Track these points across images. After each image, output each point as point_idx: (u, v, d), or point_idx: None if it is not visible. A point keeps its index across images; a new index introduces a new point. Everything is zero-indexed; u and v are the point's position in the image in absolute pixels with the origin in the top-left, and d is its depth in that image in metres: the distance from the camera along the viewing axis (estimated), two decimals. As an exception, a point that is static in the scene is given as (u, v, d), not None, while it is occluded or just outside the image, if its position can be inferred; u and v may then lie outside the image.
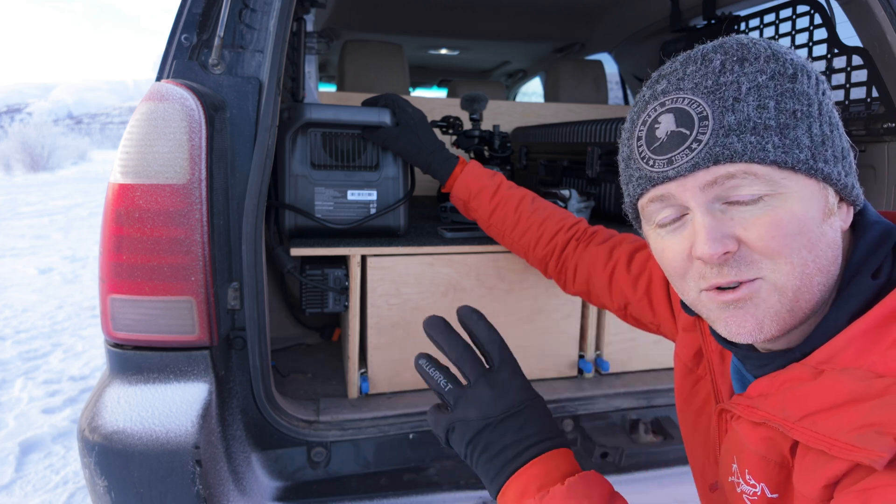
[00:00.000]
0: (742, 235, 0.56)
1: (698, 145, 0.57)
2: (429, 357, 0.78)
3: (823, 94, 0.58)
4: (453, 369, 0.77)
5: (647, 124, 0.61)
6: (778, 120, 0.55)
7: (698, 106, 0.57)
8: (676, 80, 0.60)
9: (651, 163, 0.60)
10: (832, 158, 0.57)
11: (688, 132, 0.57)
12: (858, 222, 0.61)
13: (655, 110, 0.60)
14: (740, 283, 0.57)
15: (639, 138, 0.62)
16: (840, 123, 0.59)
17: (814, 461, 0.54)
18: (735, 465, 0.65)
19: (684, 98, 0.58)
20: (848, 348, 0.55)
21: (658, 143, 0.59)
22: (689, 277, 0.61)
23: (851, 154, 0.60)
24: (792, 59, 0.58)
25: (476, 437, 0.71)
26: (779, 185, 0.55)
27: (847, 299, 0.57)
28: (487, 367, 0.76)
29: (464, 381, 0.75)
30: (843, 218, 0.59)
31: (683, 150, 0.57)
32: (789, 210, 0.55)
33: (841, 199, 0.59)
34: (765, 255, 0.56)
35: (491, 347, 0.77)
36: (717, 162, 0.56)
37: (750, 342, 0.59)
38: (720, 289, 0.59)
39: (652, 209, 0.63)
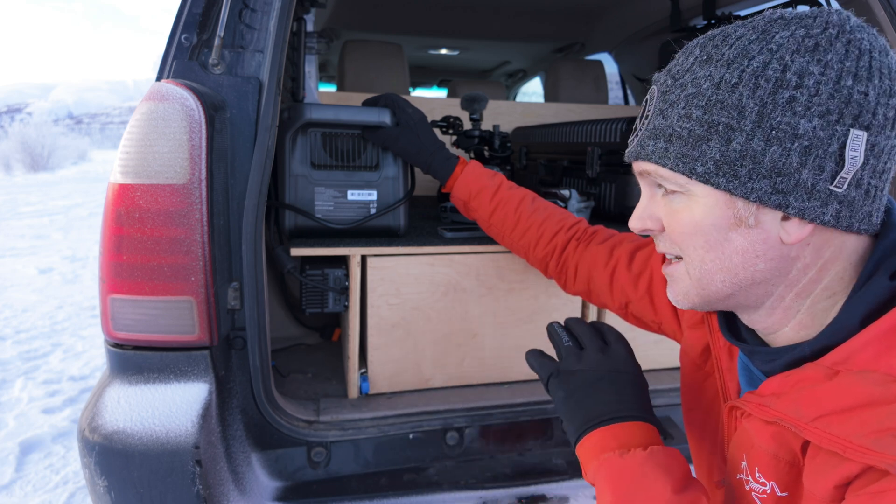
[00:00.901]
0: (663, 221, 0.65)
1: (635, 138, 0.65)
2: (560, 323, 0.85)
3: (786, 103, 0.53)
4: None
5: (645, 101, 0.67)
6: (693, 130, 0.58)
7: (652, 101, 0.63)
8: (669, 65, 0.64)
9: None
10: (749, 175, 0.56)
11: (638, 122, 0.66)
12: (884, 224, 0.60)
13: (651, 90, 0.66)
14: (675, 260, 0.67)
15: None
16: (806, 136, 0.54)
17: (826, 461, 0.54)
18: (744, 463, 0.65)
19: (652, 89, 0.64)
20: (865, 350, 0.54)
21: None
22: None
23: (811, 172, 0.54)
24: (748, 66, 0.55)
25: (576, 384, 0.75)
26: (686, 188, 0.60)
27: (861, 298, 0.57)
28: (605, 343, 0.81)
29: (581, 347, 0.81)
30: (788, 230, 0.57)
31: (631, 137, 0.67)
32: (689, 212, 0.61)
33: (785, 215, 0.57)
34: (674, 243, 0.65)
35: (607, 332, 0.82)
36: (637, 158, 0.65)
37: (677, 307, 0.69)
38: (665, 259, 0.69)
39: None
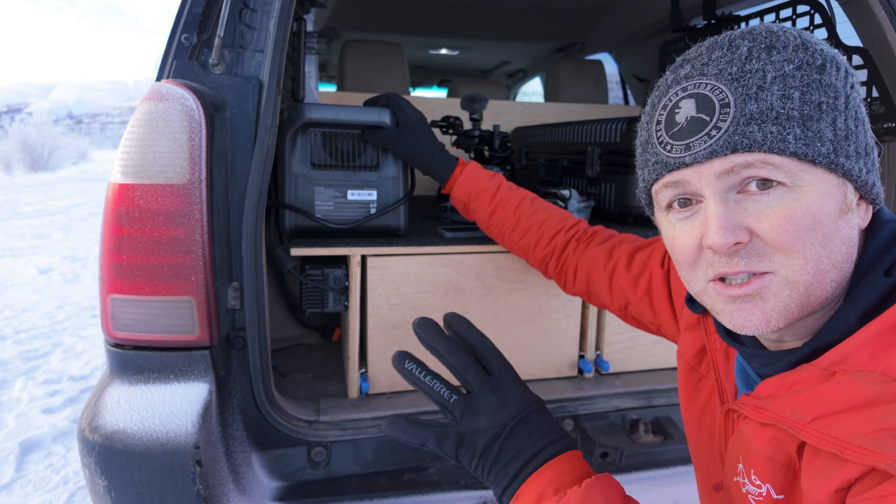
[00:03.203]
0: (755, 227, 0.55)
1: (718, 132, 0.55)
2: (416, 360, 0.76)
3: (852, 87, 0.57)
4: (447, 375, 0.76)
5: (668, 109, 0.60)
6: (802, 111, 0.54)
7: (721, 92, 0.56)
8: (701, 65, 0.59)
9: (668, 148, 0.59)
10: (854, 154, 0.56)
11: (708, 118, 0.56)
12: (873, 221, 0.60)
13: (677, 94, 0.60)
14: (751, 278, 0.57)
15: (658, 122, 0.61)
16: (866, 119, 0.58)
17: (825, 464, 0.53)
18: (741, 465, 0.65)
19: (707, 84, 0.57)
20: (861, 350, 0.54)
21: (677, 129, 0.59)
22: (699, 267, 0.61)
23: (875, 152, 0.59)
24: (822, 50, 0.56)
25: (488, 447, 0.70)
26: (797, 178, 0.54)
27: (858, 297, 0.57)
28: (488, 374, 0.74)
29: (465, 391, 0.74)
30: (861, 216, 0.58)
31: (702, 137, 0.56)
32: (805, 204, 0.54)
33: (861, 197, 0.58)
34: (777, 249, 0.55)
35: (488, 355, 0.76)
36: (735, 150, 0.55)
37: (754, 334, 0.59)
38: (725, 282, 0.58)
39: (665, 195, 0.62)
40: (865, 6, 1.40)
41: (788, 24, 1.74)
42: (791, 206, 0.54)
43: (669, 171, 0.60)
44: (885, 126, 1.41)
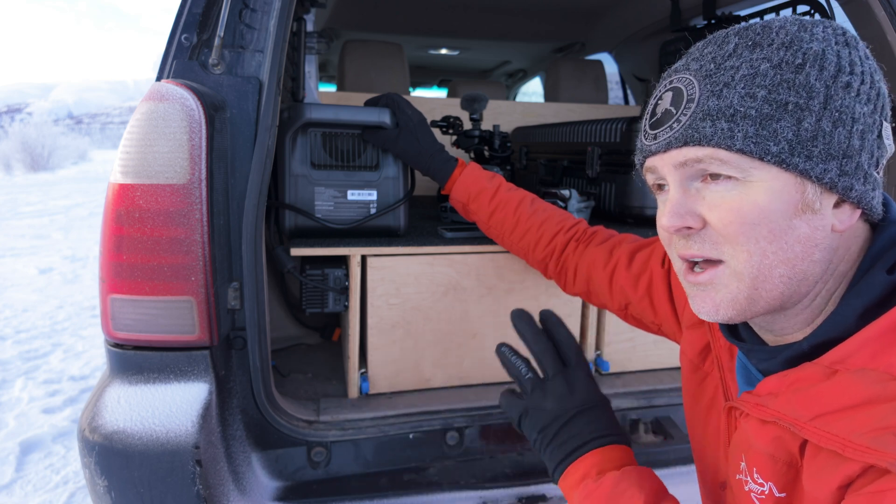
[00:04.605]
0: (707, 216, 0.59)
1: (678, 125, 0.59)
2: (510, 346, 0.88)
3: (844, 87, 0.56)
4: (533, 363, 0.86)
5: (655, 99, 0.65)
6: (761, 110, 0.56)
7: (692, 87, 0.59)
8: (690, 59, 0.62)
9: (646, 136, 0.64)
10: (820, 156, 0.55)
11: (674, 111, 0.60)
12: (881, 219, 0.61)
13: (664, 87, 0.63)
14: (706, 266, 0.61)
15: (647, 111, 0.66)
16: (861, 121, 0.56)
17: (826, 462, 0.54)
18: (743, 464, 0.65)
19: (685, 78, 0.61)
20: (863, 349, 0.54)
21: (655, 119, 0.63)
22: (671, 248, 0.66)
23: (866, 156, 0.57)
24: (808, 49, 0.56)
25: (549, 426, 0.79)
26: (747, 174, 0.57)
27: (858, 293, 0.57)
28: (564, 365, 0.84)
29: (541, 374, 0.84)
30: (840, 217, 0.58)
31: (665, 128, 0.61)
32: (752, 199, 0.56)
33: (843, 199, 0.58)
34: (725, 239, 0.59)
35: (569, 349, 0.85)
36: (686, 143, 0.59)
37: (710, 321, 0.64)
38: (693, 270, 0.63)
39: (649, 179, 0.68)
40: (865, 6, 1.40)
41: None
42: (739, 199, 0.57)
43: (645, 158, 0.65)
44: (885, 126, 1.41)
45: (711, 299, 0.61)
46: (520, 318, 0.88)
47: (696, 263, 0.63)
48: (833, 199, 0.57)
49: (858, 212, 0.58)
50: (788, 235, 0.57)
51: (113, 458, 1.00)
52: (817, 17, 1.63)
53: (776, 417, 0.58)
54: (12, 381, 3.23)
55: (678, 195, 0.61)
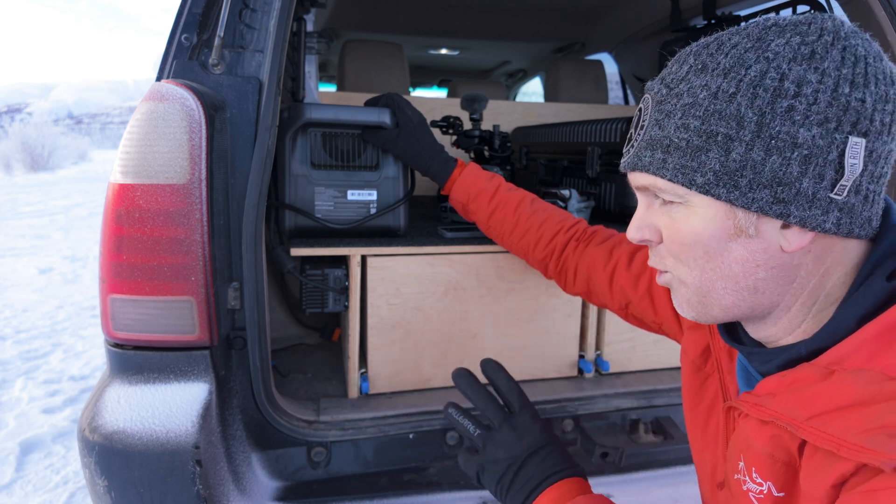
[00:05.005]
0: (662, 232, 0.64)
1: (631, 149, 0.65)
2: (457, 406, 0.93)
3: (785, 112, 0.53)
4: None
5: (637, 107, 0.67)
6: (692, 141, 0.57)
7: (647, 111, 0.63)
8: (663, 73, 0.64)
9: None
10: (749, 185, 0.55)
11: (633, 133, 0.65)
12: (882, 226, 0.60)
13: (643, 98, 0.65)
14: (663, 271, 0.67)
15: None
16: (806, 145, 0.53)
17: (822, 461, 0.54)
18: (742, 463, 0.65)
19: (648, 98, 0.63)
20: (860, 350, 0.54)
21: (629, 133, 0.67)
22: None
23: (811, 181, 0.54)
24: (745, 75, 0.54)
25: (504, 475, 0.83)
26: (686, 199, 0.60)
27: (857, 300, 0.57)
28: (509, 412, 0.89)
29: (490, 426, 0.88)
30: (789, 238, 0.57)
31: (627, 147, 0.66)
32: (690, 223, 0.60)
33: (786, 224, 0.57)
34: (670, 254, 0.64)
35: (511, 395, 0.90)
36: (634, 169, 0.64)
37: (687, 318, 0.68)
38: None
39: None
40: (865, 6, 1.40)
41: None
42: (679, 222, 0.61)
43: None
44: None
45: (676, 298, 0.68)
46: (459, 377, 0.93)
47: None
48: (777, 222, 0.57)
49: (811, 234, 0.56)
50: (725, 256, 0.60)
51: (113, 458, 1.00)
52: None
53: (774, 417, 0.58)
54: (12, 381, 3.23)
55: (641, 210, 0.66)
